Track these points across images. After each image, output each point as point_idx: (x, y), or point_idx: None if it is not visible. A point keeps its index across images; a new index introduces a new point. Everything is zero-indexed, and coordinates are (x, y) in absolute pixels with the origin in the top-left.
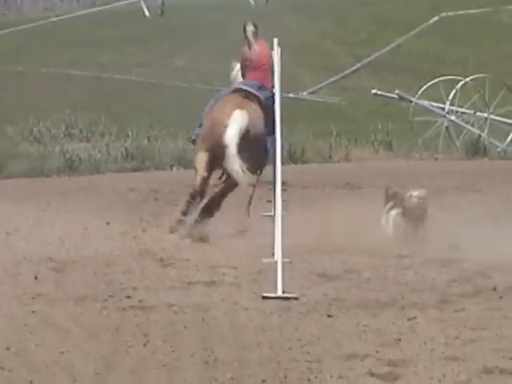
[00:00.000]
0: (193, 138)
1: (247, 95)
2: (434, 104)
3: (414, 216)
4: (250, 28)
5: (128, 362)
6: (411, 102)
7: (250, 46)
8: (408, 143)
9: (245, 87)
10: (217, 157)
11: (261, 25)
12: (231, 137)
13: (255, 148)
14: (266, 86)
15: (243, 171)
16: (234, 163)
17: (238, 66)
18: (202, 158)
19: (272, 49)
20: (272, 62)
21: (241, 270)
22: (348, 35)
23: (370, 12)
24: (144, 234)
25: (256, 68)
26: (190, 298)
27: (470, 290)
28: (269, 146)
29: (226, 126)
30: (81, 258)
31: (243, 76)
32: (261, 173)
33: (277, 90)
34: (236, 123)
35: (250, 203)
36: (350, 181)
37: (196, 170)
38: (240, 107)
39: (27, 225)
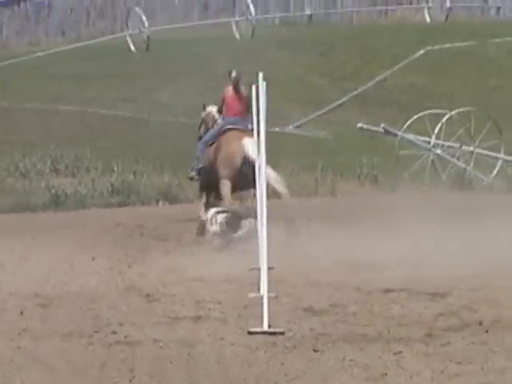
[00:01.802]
0: (192, 175)
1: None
2: (420, 138)
3: None
4: (233, 75)
5: None
6: (397, 135)
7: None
8: (394, 177)
9: (234, 126)
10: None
11: (246, 59)
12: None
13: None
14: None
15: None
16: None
17: (210, 108)
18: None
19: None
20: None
21: (227, 305)
22: (334, 69)
23: (355, 45)
24: (130, 269)
25: (235, 106)
26: (175, 334)
27: (456, 324)
28: None
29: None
30: (67, 294)
31: (223, 112)
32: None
33: (262, 124)
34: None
35: None
36: (335, 215)
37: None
38: (247, 136)
39: (13, 260)
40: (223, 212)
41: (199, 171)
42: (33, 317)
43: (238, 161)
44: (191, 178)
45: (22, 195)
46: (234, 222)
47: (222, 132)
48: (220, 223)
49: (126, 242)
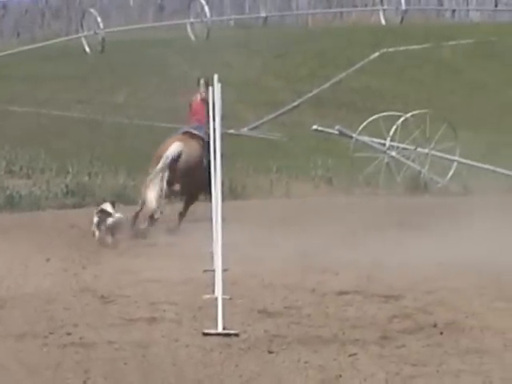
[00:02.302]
0: None
1: (190, 135)
2: (375, 140)
3: None
4: (202, 82)
5: None
6: (352, 137)
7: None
8: (349, 179)
9: (187, 129)
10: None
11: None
12: (161, 165)
13: (194, 175)
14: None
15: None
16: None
17: None
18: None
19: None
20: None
21: (181, 307)
22: (289, 71)
23: (310, 48)
24: (84, 270)
25: (195, 113)
26: (130, 335)
27: (411, 327)
28: None
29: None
30: (21, 295)
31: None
32: (206, 197)
33: (217, 127)
34: (169, 152)
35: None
36: (290, 216)
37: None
38: (178, 141)
39: None
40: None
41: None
42: None
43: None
44: None
45: None
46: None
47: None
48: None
49: (81, 244)
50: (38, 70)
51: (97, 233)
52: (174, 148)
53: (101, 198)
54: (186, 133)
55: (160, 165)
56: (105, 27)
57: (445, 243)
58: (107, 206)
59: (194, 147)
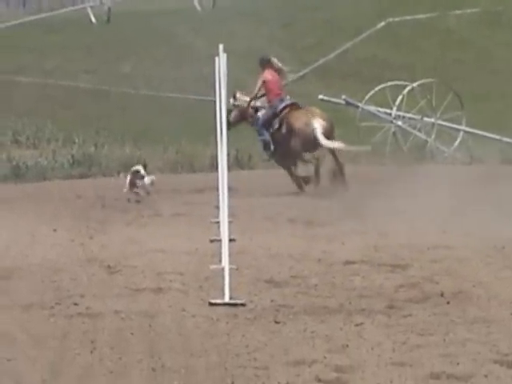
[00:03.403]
0: (268, 158)
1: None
2: (381, 109)
3: None
4: (270, 59)
5: (75, 369)
6: (358, 107)
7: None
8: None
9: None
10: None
11: (207, 31)
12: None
13: None
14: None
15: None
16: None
17: (239, 95)
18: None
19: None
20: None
21: (188, 277)
22: (295, 40)
23: (316, 17)
24: (91, 240)
25: (276, 88)
26: (137, 305)
27: (418, 296)
28: None
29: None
30: (28, 265)
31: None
32: None
33: (223, 97)
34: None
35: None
36: (296, 187)
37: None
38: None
39: None
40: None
41: (273, 153)
42: None
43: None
44: (269, 161)
45: None
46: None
47: (281, 110)
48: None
49: (87, 214)
50: (44, 40)
51: (125, 190)
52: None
53: (108, 169)
54: (294, 104)
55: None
56: None
57: (450, 212)
58: (140, 168)
59: None
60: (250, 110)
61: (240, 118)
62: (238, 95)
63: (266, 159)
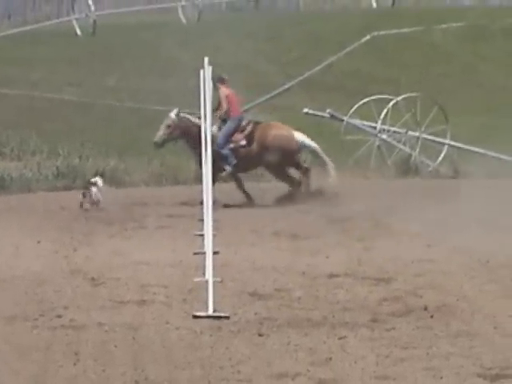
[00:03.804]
0: (229, 171)
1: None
2: (366, 123)
3: None
4: (226, 77)
5: (59, 381)
6: (343, 120)
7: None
8: (339, 162)
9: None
10: None
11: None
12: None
13: None
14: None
15: None
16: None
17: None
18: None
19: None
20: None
21: (172, 289)
22: (280, 54)
23: (301, 31)
24: (75, 253)
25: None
26: (120, 317)
27: (401, 309)
28: None
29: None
30: (11, 277)
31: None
32: None
33: (208, 110)
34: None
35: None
36: (281, 200)
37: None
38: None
39: None
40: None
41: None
42: None
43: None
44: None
45: None
46: None
47: (247, 125)
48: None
49: (72, 226)
50: (29, 52)
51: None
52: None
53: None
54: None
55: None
56: (96, 10)
57: (435, 226)
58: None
59: None
60: (194, 128)
61: (178, 135)
62: (180, 114)
63: (227, 173)
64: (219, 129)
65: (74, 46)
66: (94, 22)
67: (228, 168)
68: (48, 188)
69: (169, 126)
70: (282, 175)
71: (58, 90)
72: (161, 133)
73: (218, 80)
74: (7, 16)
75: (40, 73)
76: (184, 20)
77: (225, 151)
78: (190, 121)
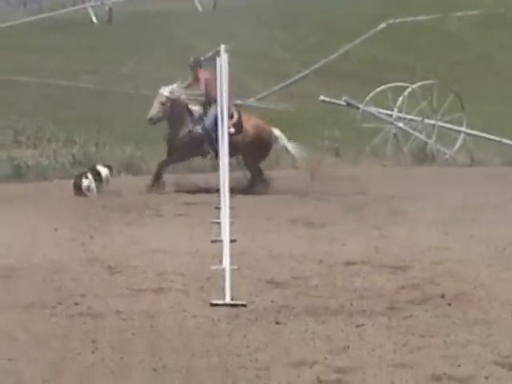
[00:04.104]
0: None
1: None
2: (382, 111)
3: None
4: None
5: (76, 369)
6: (359, 108)
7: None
8: (355, 150)
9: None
10: None
11: (209, 31)
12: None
13: None
14: None
15: None
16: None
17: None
18: None
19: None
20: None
21: (189, 277)
22: (296, 41)
23: (318, 18)
24: (92, 240)
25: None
26: (138, 305)
27: (418, 297)
28: None
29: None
30: (29, 265)
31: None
32: None
33: (224, 98)
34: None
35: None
36: (297, 187)
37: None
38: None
39: None
40: None
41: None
42: None
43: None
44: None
45: None
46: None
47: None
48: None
49: (88, 214)
50: (45, 40)
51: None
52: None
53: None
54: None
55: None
56: None
57: (451, 214)
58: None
59: None
60: (178, 106)
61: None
62: (175, 88)
63: (211, 156)
64: (204, 113)
65: (90, 33)
66: (110, 9)
67: (212, 153)
68: (64, 176)
69: (162, 104)
70: (257, 166)
71: (74, 77)
72: (155, 110)
73: (196, 63)
74: (23, 4)
75: (56, 61)
76: (200, 7)
77: (213, 134)
78: (179, 99)
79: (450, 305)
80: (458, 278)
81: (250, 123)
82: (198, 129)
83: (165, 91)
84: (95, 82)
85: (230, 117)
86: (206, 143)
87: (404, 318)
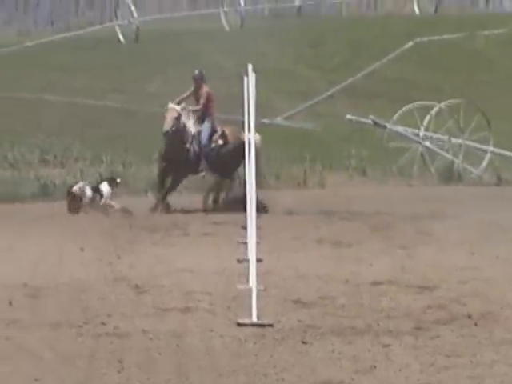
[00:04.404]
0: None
1: None
2: (409, 130)
3: None
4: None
5: None
6: (386, 127)
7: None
8: (382, 169)
9: None
10: None
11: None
12: None
13: None
14: None
15: None
16: None
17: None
18: None
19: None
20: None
21: (216, 297)
22: (323, 60)
23: (344, 37)
24: (119, 260)
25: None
26: (164, 325)
27: (445, 317)
28: None
29: None
30: (56, 284)
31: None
32: None
33: (251, 116)
34: None
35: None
36: (324, 207)
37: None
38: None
39: (1, 250)
40: None
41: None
42: (21, 307)
43: None
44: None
45: (10, 185)
46: None
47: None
48: None
49: (115, 233)
50: (72, 58)
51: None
52: None
53: (135, 188)
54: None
55: None
56: (139, 16)
57: (478, 234)
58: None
59: None
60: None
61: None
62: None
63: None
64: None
65: (117, 52)
66: (137, 28)
67: (204, 170)
68: None
69: (177, 118)
70: (234, 175)
71: (101, 96)
72: (170, 124)
73: (201, 76)
74: (50, 22)
75: (83, 79)
76: (227, 26)
77: (207, 150)
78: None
79: (476, 325)
80: (484, 298)
81: (234, 135)
82: (195, 146)
83: (175, 105)
84: (122, 100)
85: (215, 130)
86: (203, 160)
87: (431, 337)
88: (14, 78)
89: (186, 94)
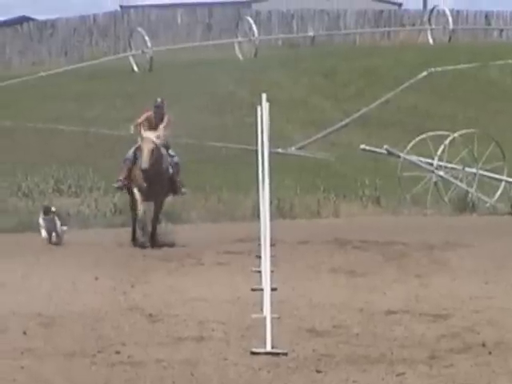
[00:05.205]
0: None
1: None
2: (423, 159)
3: None
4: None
5: None
6: (399, 157)
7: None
8: (396, 198)
9: None
10: None
11: (249, 80)
12: None
13: None
14: None
15: None
16: None
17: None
18: None
19: None
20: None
21: (230, 326)
22: (336, 90)
23: (358, 67)
24: (133, 289)
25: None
26: (179, 354)
27: (459, 346)
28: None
29: None
30: (69, 314)
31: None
32: None
33: (265, 146)
34: None
35: None
36: (338, 236)
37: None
38: None
39: (15, 279)
40: None
41: None
42: (36, 336)
43: None
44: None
45: (24, 215)
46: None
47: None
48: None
49: (129, 262)
50: (85, 88)
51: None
52: None
53: (149, 217)
54: None
55: None
56: (153, 46)
57: (492, 263)
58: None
59: None
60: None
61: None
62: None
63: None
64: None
65: (131, 82)
66: (151, 58)
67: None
68: (105, 224)
69: (153, 150)
70: None
71: (115, 126)
72: (148, 160)
73: (160, 106)
74: (64, 52)
75: (97, 109)
76: (241, 56)
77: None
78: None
79: (490, 353)
80: (498, 327)
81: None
82: (170, 169)
83: (151, 136)
84: (136, 130)
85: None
86: (178, 181)
87: (445, 366)
88: (28, 108)
89: (141, 119)
